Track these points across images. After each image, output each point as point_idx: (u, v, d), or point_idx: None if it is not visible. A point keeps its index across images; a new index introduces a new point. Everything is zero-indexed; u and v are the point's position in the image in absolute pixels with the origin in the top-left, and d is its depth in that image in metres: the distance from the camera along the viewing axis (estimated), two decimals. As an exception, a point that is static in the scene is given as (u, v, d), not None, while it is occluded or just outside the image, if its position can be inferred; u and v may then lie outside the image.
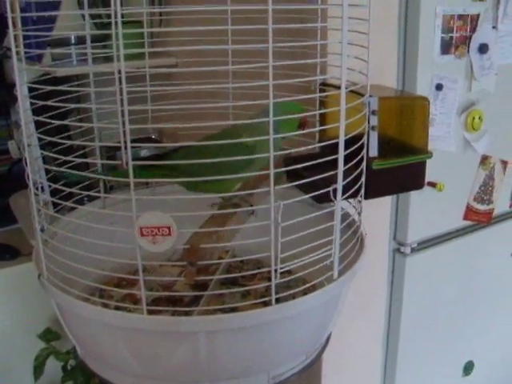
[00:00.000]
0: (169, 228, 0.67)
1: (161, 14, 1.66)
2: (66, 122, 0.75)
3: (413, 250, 1.53)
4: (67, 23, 1.47)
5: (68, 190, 0.76)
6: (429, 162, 1.11)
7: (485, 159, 1.58)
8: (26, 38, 0.82)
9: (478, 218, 1.63)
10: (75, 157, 0.87)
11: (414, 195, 1.45)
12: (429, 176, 1.18)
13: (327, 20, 1.00)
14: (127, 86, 0.65)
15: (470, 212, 1.60)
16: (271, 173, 0.68)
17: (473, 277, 1.70)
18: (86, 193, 0.77)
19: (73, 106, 0.72)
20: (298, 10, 0.78)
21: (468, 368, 1.81)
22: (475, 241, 1.66)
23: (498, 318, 1.85)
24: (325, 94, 0.94)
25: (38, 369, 1.79)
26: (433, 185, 1.44)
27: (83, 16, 0.98)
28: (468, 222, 1.62)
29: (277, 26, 0.65)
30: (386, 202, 1.46)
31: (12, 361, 1.87)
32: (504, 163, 1.63)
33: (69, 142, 0.73)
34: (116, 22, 0.63)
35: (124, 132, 0.66)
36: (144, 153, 1.19)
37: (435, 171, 1.42)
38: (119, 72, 0.65)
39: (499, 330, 1.87)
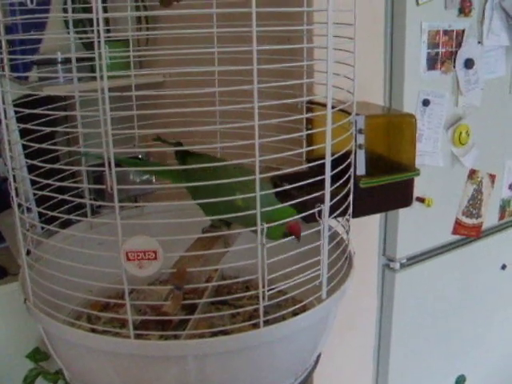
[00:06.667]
0: (155, 252, 0.66)
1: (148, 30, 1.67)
2: (48, 147, 0.74)
3: (402, 266, 1.53)
4: (54, 42, 1.46)
5: (51, 213, 0.75)
6: (417, 178, 1.11)
7: (473, 173, 1.58)
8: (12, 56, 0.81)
9: (467, 232, 1.63)
10: (61, 179, 0.86)
11: (402, 211, 1.44)
12: (417, 191, 1.18)
13: (313, 39, 1.01)
14: (114, 106, 0.64)
15: (459, 226, 1.60)
16: (257, 195, 0.68)
17: (463, 291, 1.70)
18: (70, 216, 0.76)
19: (49, 129, 0.71)
20: (285, 30, 0.78)
21: (460, 382, 1.80)
22: (465, 255, 1.66)
23: (489, 332, 1.85)
24: (311, 114, 0.94)
25: (27, 389, 1.77)
26: (421, 200, 1.44)
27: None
28: (457, 237, 1.63)
29: (262, 48, 0.65)
30: (374, 218, 1.46)
31: (0, 381, 1.84)
32: (492, 177, 1.63)
33: (52, 166, 0.72)
34: (99, 42, 0.62)
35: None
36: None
37: (423, 186, 1.42)
38: (103, 92, 0.64)
39: (490, 343, 1.87)
